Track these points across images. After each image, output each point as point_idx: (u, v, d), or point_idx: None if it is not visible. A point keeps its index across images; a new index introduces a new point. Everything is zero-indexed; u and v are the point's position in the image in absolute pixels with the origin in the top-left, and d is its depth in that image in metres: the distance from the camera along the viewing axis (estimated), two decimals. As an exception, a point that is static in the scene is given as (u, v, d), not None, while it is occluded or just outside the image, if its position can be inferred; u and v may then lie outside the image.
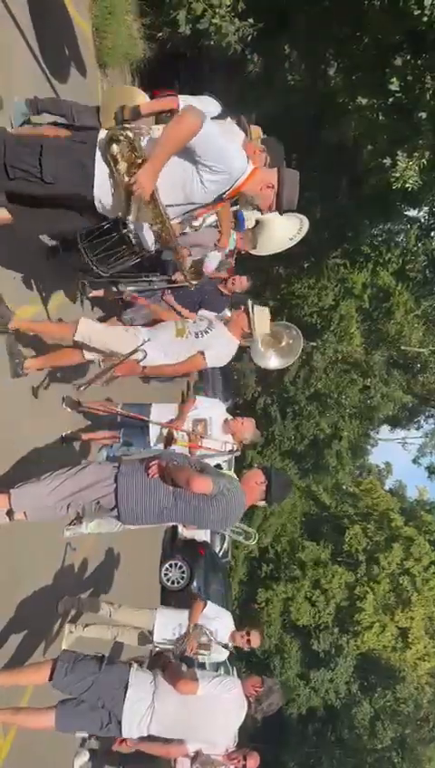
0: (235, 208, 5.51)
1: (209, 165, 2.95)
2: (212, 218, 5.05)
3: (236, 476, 4.17)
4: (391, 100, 7.54)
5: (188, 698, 3.55)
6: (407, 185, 7.82)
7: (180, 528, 10.01)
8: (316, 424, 21.23)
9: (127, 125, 2.96)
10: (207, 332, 4.51)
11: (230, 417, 5.50)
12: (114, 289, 5.76)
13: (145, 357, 4.19)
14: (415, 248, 16.88)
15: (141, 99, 3.99)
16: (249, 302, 4.60)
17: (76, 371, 5.22)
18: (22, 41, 4.69)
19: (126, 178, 2.90)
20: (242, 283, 6.23)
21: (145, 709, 3.53)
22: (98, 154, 2.97)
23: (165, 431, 5.17)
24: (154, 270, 5.72)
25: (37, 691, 4.00)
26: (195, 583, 10.35)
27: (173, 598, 9.36)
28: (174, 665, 3.78)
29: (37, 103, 4.38)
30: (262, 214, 3.62)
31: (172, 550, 10.84)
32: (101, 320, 5.83)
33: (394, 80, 7.32)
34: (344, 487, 27.64)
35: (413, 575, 22.71)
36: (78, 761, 5.48)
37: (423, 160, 7.67)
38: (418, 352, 19.15)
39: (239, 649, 5.08)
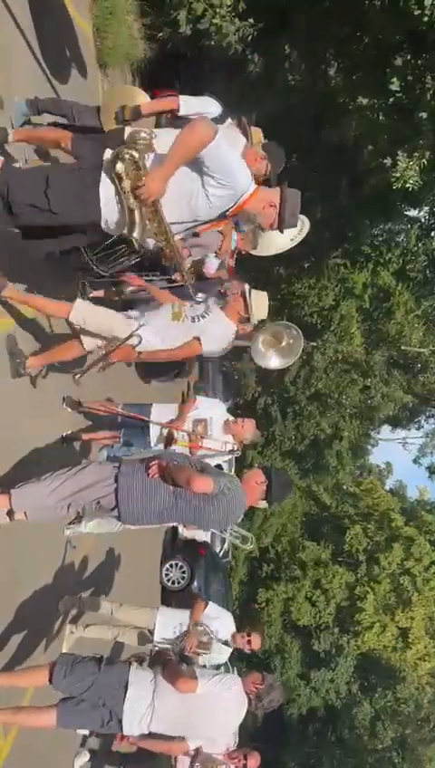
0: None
1: (216, 178, 2.96)
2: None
3: (236, 476, 4.17)
4: (391, 100, 7.53)
5: (188, 696, 3.55)
6: (407, 185, 7.81)
7: (181, 528, 10.01)
8: (317, 424, 21.22)
9: (130, 147, 2.96)
10: (203, 317, 4.42)
11: (231, 417, 5.50)
12: (114, 289, 5.76)
13: (140, 341, 4.12)
14: (415, 248, 16.88)
15: (142, 99, 4.00)
16: (246, 287, 4.57)
17: (75, 367, 5.21)
18: (22, 41, 4.69)
19: (131, 197, 2.92)
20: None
21: (145, 708, 3.53)
22: (103, 174, 3.00)
23: (165, 431, 5.17)
24: (154, 269, 5.72)
25: (38, 692, 4.00)
26: (195, 583, 10.35)
27: (174, 598, 9.36)
28: (173, 663, 3.79)
29: (38, 103, 4.37)
30: (263, 231, 3.62)
31: (173, 550, 10.84)
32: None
33: (395, 80, 7.31)
34: (345, 487, 27.64)
35: (414, 575, 22.72)
36: (78, 761, 5.49)
37: (424, 160, 7.66)
38: (418, 352, 19.15)
39: (240, 650, 5.08)
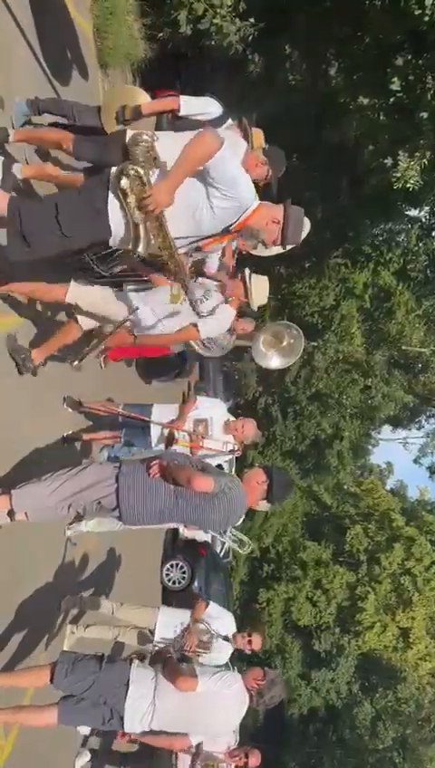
0: None
1: (221, 189, 2.97)
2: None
3: (236, 476, 4.17)
4: (392, 99, 7.53)
5: (189, 694, 3.55)
6: (408, 185, 7.81)
7: (181, 528, 10.01)
8: (317, 424, 21.23)
9: (135, 163, 2.96)
10: (202, 302, 4.39)
11: (231, 417, 5.51)
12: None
13: (137, 323, 4.09)
14: (416, 248, 16.88)
15: (143, 99, 4.00)
16: (247, 271, 4.55)
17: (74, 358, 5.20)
18: (23, 41, 4.69)
19: (136, 211, 2.93)
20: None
21: (147, 706, 3.54)
22: (110, 192, 3.01)
23: (166, 431, 5.17)
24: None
25: (38, 691, 4.00)
26: (196, 583, 10.35)
27: (174, 598, 9.37)
28: (173, 662, 3.78)
29: (38, 104, 4.37)
30: (266, 248, 3.63)
31: (173, 550, 10.85)
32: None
33: (395, 80, 7.31)
34: (345, 487, 27.65)
35: (414, 575, 22.71)
36: (79, 761, 5.50)
37: (424, 160, 7.66)
38: (419, 352, 19.15)
39: (240, 650, 5.08)
